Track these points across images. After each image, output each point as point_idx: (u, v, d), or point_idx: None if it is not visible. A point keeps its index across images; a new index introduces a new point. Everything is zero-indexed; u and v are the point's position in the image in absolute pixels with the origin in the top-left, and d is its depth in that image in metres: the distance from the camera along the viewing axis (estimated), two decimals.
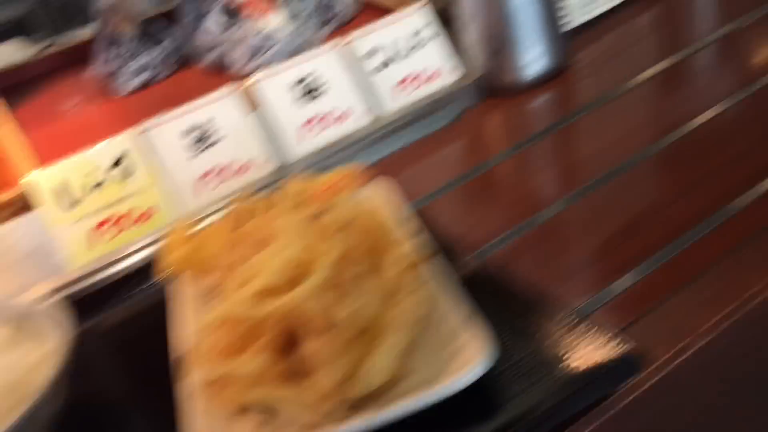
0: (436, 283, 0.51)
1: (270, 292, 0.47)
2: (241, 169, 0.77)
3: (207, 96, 0.77)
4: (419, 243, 0.53)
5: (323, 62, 0.82)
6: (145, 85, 1.04)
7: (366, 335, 0.47)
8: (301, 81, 0.80)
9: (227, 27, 1.01)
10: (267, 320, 0.46)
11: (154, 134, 0.75)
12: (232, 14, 1.01)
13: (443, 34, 0.87)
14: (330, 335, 0.45)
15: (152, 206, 0.73)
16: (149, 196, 0.73)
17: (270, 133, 0.79)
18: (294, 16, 1.01)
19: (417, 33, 0.87)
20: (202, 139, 0.76)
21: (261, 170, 0.77)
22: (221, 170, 0.77)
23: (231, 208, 0.60)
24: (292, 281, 0.47)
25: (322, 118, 0.81)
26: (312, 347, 0.45)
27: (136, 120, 0.75)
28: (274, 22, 0.99)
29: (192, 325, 0.53)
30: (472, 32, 0.88)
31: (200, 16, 1.04)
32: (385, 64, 0.85)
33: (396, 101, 0.84)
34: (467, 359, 0.45)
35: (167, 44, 1.05)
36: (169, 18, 1.10)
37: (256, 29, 0.98)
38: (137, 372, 0.59)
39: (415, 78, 0.86)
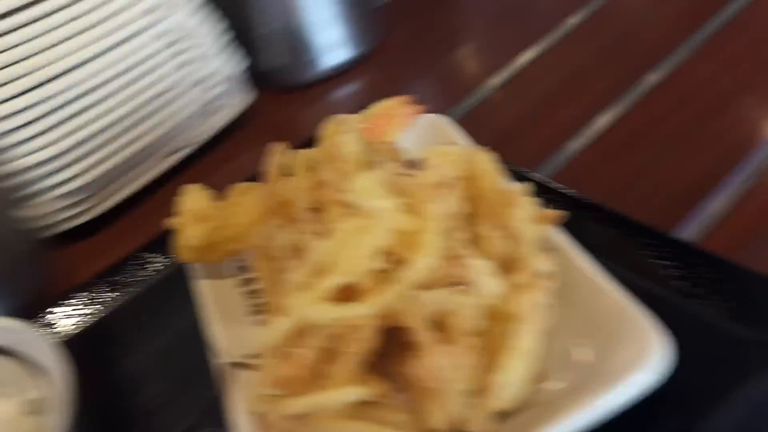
0: (563, 248, 0.38)
1: (357, 287, 0.33)
2: None
3: None
4: (531, 196, 0.39)
5: None
6: None
7: (489, 330, 0.34)
8: None
9: None
10: (358, 327, 0.33)
11: None
12: None
13: None
14: (448, 346, 0.32)
15: None
16: None
17: None
18: None
19: None
20: None
21: None
22: None
23: (266, 164, 0.44)
24: (385, 270, 0.33)
25: None
26: (425, 363, 0.32)
27: None
28: None
29: (231, 323, 0.41)
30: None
31: None
32: None
33: None
34: (630, 356, 0.32)
35: None
36: None
37: None
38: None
39: None
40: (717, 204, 0.47)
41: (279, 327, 0.33)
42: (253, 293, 0.45)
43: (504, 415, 0.33)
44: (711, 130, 0.54)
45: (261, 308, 0.44)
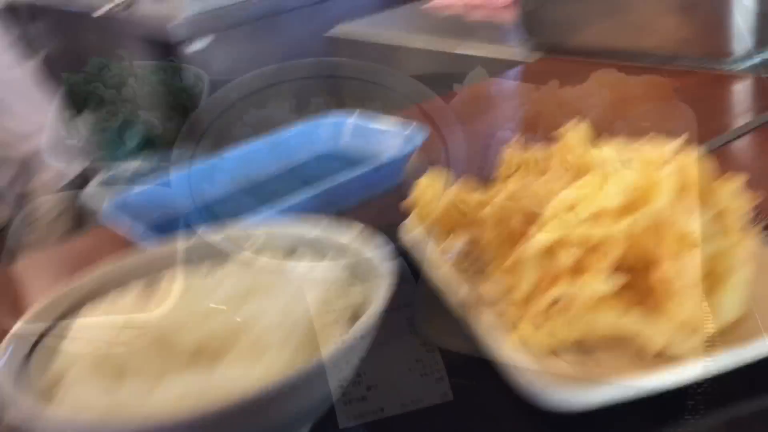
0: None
1: (608, 215, 0.42)
2: None
3: None
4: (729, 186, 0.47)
5: None
6: None
7: (707, 270, 0.42)
8: None
9: None
10: (609, 242, 0.41)
11: None
12: None
13: None
14: (686, 260, 0.41)
15: None
16: None
17: None
18: None
19: None
20: None
21: None
22: None
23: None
24: (630, 206, 0.42)
25: None
26: (665, 272, 0.40)
27: None
28: None
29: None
30: None
31: None
32: None
33: None
34: None
35: None
36: None
37: None
38: None
39: None
40: None
41: (540, 239, 0.42)
42: (471, 263, 0.53)
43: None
44: None
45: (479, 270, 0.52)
